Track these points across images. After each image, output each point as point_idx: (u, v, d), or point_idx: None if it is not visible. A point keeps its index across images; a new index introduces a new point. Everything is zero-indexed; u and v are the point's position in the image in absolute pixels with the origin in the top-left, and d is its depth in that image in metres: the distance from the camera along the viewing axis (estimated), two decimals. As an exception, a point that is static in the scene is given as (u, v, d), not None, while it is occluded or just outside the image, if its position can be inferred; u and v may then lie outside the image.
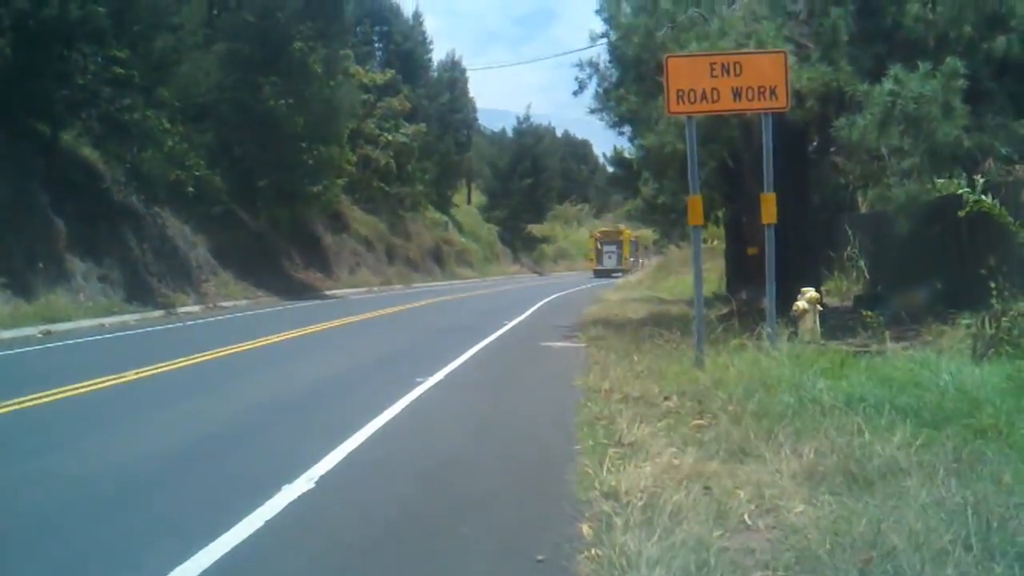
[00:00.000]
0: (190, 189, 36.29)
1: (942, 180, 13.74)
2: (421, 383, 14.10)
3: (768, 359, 13.78)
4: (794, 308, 18.60)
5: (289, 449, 9.72)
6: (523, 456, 9.30)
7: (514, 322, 27.32)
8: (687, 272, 56.74)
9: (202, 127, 39.26)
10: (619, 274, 69.04)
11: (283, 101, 40.56)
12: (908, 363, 12.30)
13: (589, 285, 57.19)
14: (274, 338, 21.78)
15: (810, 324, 18.48)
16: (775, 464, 7.77)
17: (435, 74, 75.53)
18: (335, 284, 48.66)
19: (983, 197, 13.36)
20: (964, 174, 16.43)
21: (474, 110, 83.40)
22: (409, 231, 64.04)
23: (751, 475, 7.54)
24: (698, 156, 14.92)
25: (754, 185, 29.30)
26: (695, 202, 14.85)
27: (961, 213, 13.39)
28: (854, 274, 27.20)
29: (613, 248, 78.35)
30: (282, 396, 13.50)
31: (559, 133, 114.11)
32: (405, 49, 68.61)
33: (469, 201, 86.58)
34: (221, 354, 18.57)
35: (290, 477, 8.33)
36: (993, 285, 13.85)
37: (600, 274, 71.67)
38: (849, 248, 26.91)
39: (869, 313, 15.05)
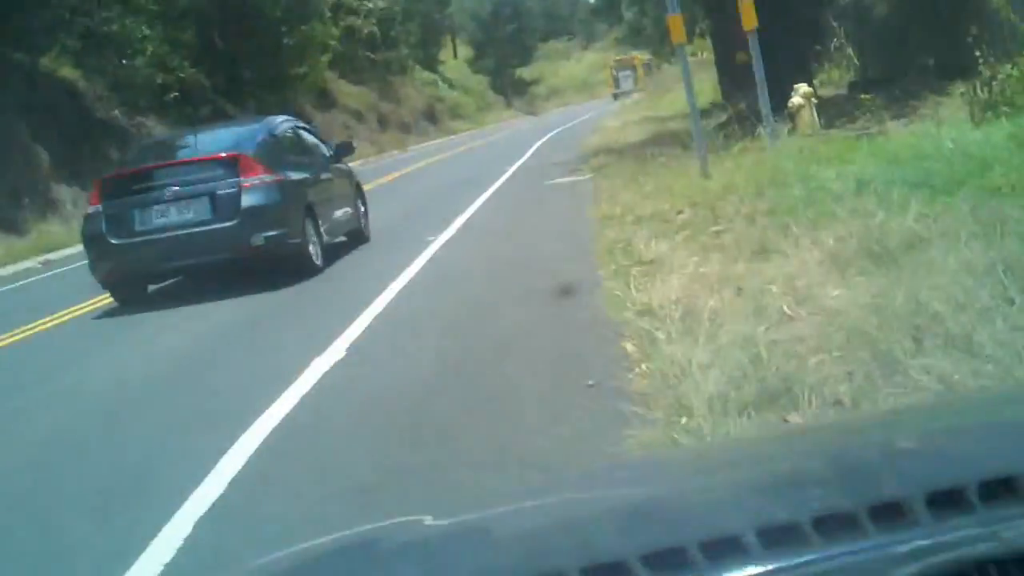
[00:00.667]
0: (175, 94, 35.75)
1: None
2: (432, 241, 13.83)
3: (772, 156, 13.70)
4: (790, 104, 18.45)
5: (317, 322, 9.52)
6: (549, 289, 9.11)
7: (515, 166, 27.14)
8: (681, 88, 56.23)
9: (182, 28, 38.54)
10: (637, 93, 69.85)
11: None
12: (910, 138, 12.22)
13: (585, 116, 56.73)
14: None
15: (808, 117, 18.34)
16: (799, 256, 7.72)
17: None
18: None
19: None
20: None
21: None
22: (399, 95, 63.25)
23: (778, 270, 7.49)
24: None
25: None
26: (675, 21, 14.67)
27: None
28: (844, 63, 26.91)
29: (628, 73, 79.88)
30: None
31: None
32: None
33: (455, 56, 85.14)
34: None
35: (321, 349, 7.93)
36: (978, 53, 13.71)
37: (619, 96, 72.20)
38: (835, 39, 26.57)
39: (866, 96, 14.88)
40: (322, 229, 12.86)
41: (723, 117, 31.33)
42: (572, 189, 18.31)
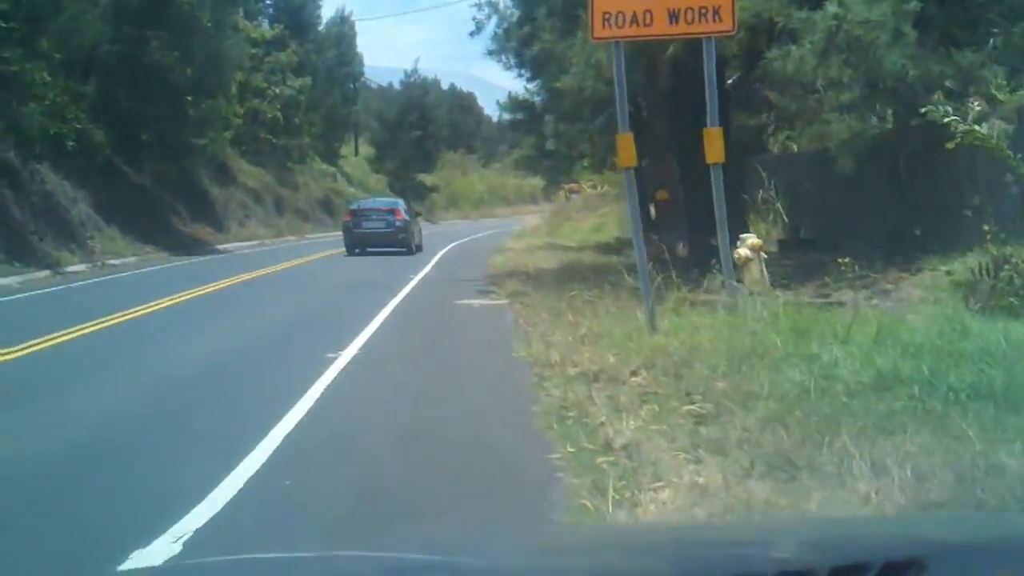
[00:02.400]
0: (71, 144, 33.03)
1: (930, 107, 11.44)
2: (333, 359, 11.39)
3: (734, 318, 11.47)
4: (736, 256, 16.27)
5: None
6: (483, 482, 6.60)
7: (419, 275, 24.85)
8: (583, 218, 54.84)
9: (85, 80, 36.03)
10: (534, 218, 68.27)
11: (170, 53, 37.28)
12: (918, 320, 10.06)
13: (485, 233, 54.69)
14: (163, 302, 18.88)
15: (757, 274, 16.16)
16: (857, 485, 5.37)
17: (324, 30, 72.19)
18: (225, 238, 45.42)
19: (976, 127, 11.17)
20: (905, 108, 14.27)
21: (361, 64, 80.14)
22: (297, 182, 60.68)
23: (833, 505, 5.13)
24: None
25: (661, 128, 27.20)
26: (625, 141, 12.45)
27: (950, 145, 11.25)
28: (771, 217, 25.04)
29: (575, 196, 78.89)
30: (163, 390, 10.42)
31: (444, 86, 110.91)
32: (295, 4, 65.14)
33: (357, 153, 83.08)
34: (103, 325, 15.53)
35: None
36: (987, 228, 11.63)
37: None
38: (762, 191, 24.69)
39: (844, 260, 12.78)
40: (414, 240, 34.53)
41: (630, 255, 29.47)
42: (490, 316, 16.05)
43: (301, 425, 8.26)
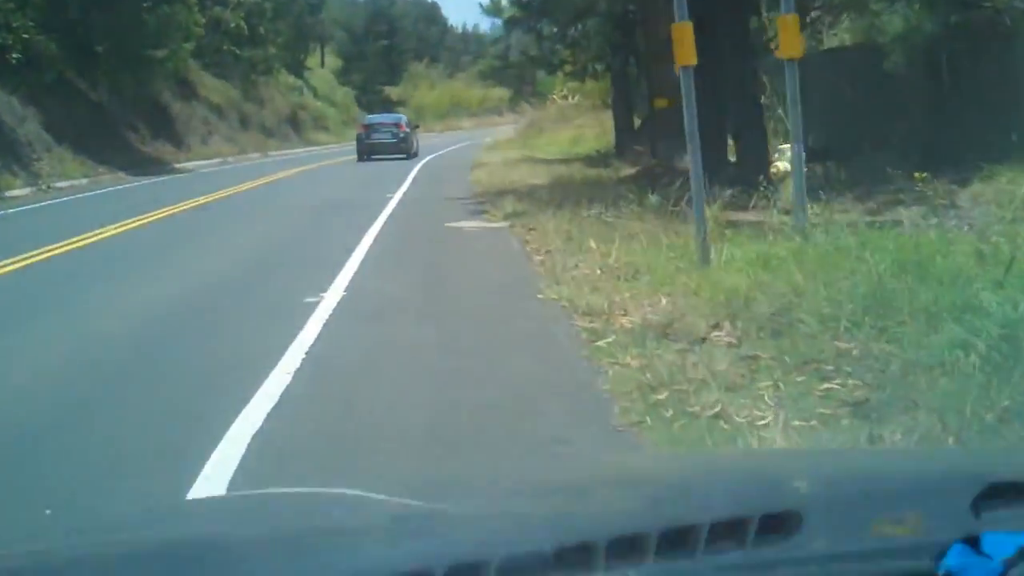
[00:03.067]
0: (16, 56, 30.25)
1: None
2: (315, 304, 9.04)
3: (808, 245, 9.21)
4: (773, 170, 13.99)
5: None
6: None
7: (399, 193, 22.49)
8: (558, 130, 52.27)
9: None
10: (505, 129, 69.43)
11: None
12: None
13: (455, 147, 52.08)
14: (108, 230, 16.36)
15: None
16: None
17: None
18: (186, 156, 42.62)
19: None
20: None
21: None
22: (263, 97, 57.64)
23: None
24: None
25: (662, 26, 24.67)
26: (683, 32, 9.95)
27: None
28: (771, 126, 22.68)
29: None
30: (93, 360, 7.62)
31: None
32: None
33: (323, 65, 79.10)
34: (24, 262, 12.89)
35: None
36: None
37: None
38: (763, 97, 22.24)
39: (921, 174, 10.47)
40: (412, 148, 40.81)
41: (629, 169, 27.21)
42: (489, 241, 13.76)
43: (264, 440, 5.38)
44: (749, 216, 12.81)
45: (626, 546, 1.44)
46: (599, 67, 37.10)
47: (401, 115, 47.32)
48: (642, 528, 1.50)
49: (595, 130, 44.54)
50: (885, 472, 2.31)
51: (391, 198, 20.94)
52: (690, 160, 9.69)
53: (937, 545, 1.51)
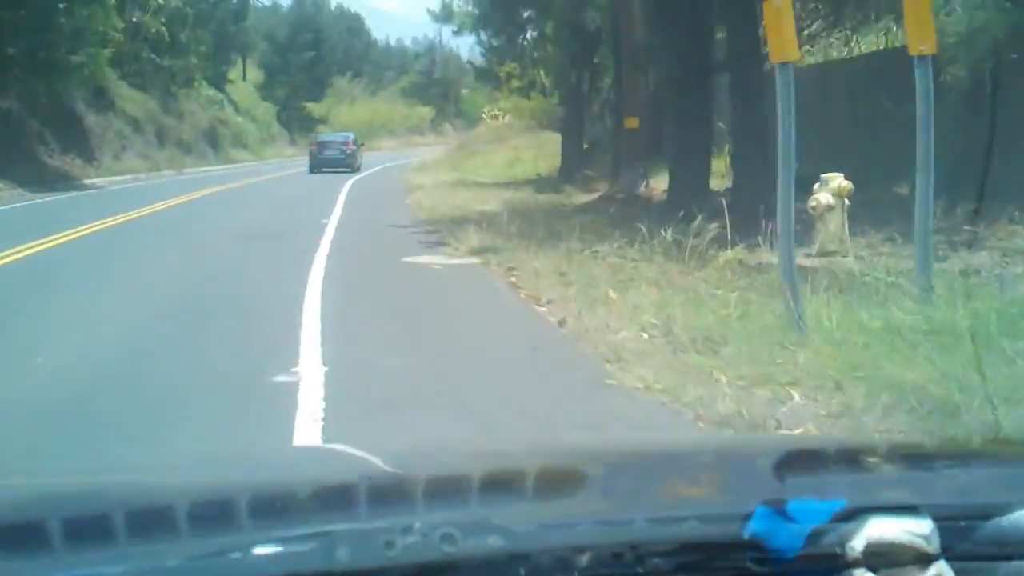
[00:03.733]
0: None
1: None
2: (287, 389, 6.31)
3: (923, 309, 6.60)
4: (812, 203, 11.39)
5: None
6: None
7: (334, 218, 20.00)
8: (493, 151, 49.51)
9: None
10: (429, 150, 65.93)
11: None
12: None
13: (381, 167, 49.33)
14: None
15: (837, 227, 11.39)
16: None
17: None
18: (97, 171, 39.29)
19: None
20: None
21: None
22: (182, 110, 54.18)
23: None
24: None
25: (634, 36, 22.19)
26: (780, 16, 7.23)
27: None
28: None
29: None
30: None
31: (331, 7, 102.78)
32: None
33: (245, 78, 75.46)
34: None
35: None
36: None
37: None
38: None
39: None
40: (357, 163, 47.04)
41: (578, 195, 24.70)
42: (467, 284, 11.17)
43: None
44: (768, 257, 10.19)
45: None
46: (547, 82, 34.41)
47: (349, 134, 52.62)
48: None
49: (532, 152, 42.08)
50: (693, 448, 2.53)
51: (327, 223, 18.46)
52: (780, 188, 6.99)
53: (743, 511, 1.44)
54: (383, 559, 1.29)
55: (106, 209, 22.16)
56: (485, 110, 67.94)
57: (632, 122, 21.34)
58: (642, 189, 21.13)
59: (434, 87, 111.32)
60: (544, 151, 41.33)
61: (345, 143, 48.03)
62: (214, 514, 1.49)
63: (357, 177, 39.53)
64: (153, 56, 49.27)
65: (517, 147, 45.39)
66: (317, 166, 45.28)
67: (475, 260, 12.51)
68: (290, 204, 25.06)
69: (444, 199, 23.54)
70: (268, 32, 76.76)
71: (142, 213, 22.00)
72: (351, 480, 1.72)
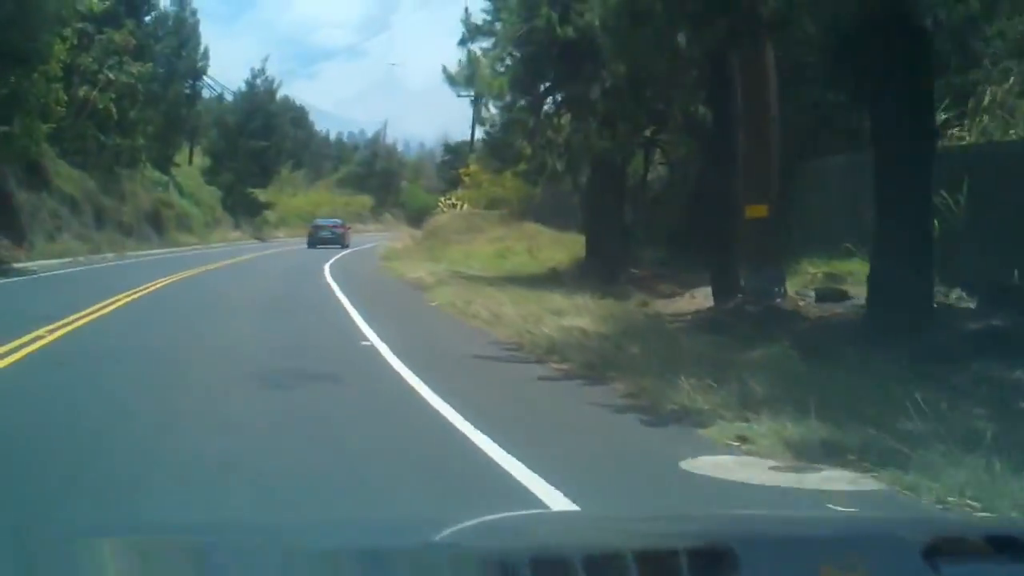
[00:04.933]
0: None
1: None
2: None
3: None
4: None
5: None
6: None
7: (379, 343, 13.40)
8: (469, 240, 43.50)
9: None
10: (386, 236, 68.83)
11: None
12: None
13: (347, 254, 43.17)
14: None
15: None
16: None
17: (163, 11, 57.45)
18: (28, 254, 32.45)
19: None
20: None
21: (206, 58, 64.25)
22: (124, 191, 47.39)
23: None
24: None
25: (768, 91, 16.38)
26: None
27: None
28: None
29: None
30: None
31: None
32: None
33: (191, 162, 68.84)
34: None
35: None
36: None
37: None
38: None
39: None
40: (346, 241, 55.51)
41: (649, 303, 18.79)
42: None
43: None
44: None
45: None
46: (560, 164, 28.33)
47: (339, 220, 61.72)
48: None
49: (522, 243, 36.15)
50: (833, 526, 2.50)
51: (370, 345, 11.96)
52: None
53: None
54: None
55: (36, 311, 15.66)
56: (442, 199, 62.53)
57: (758, 210, 15.41)
58: (778, 299, 15.10)
59: (374, 178, 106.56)
60: (536, 242, 35.53)
61: (336, 226, 58.14)
62: None
63: (326, 263, 33.84)
64: (98, 134, 42.54)
65: (501, 238, 39.43)
66: (314, 243, 54.39)
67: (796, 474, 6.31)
68: (266, 307, 18.94)
69: (485, 305, 17.45)
70: (218, 117, 69.97)
71: (77, 324, 14.97)
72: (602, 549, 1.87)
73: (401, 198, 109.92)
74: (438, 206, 61.11)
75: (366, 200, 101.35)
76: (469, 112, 58.84)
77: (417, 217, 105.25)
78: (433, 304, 19.05)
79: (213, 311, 17.87)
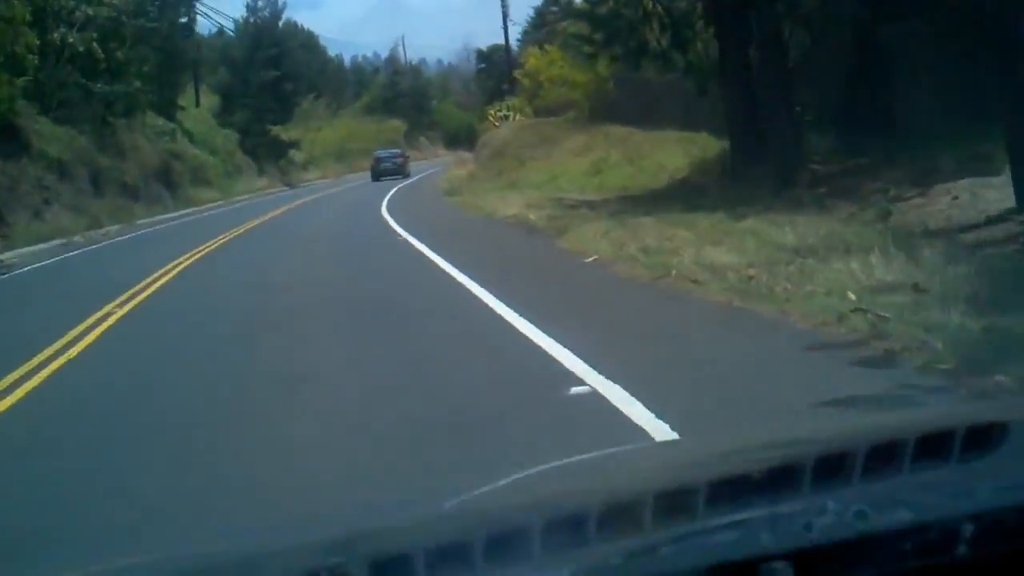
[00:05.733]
0: None
1: None
2: None
3: None
4: None
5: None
6: None
7: (583, 387, 6.39)
8: (545, 156, 36.10)
9: None
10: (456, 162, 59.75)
11: None
12: None
13: (386, 196, 35.59)
14: None
15: None
16: None
17: None
18: (4, 240, 25.55)
19: None
20: None
21: None
22: (124, 146, 39.70)
23: None
24: None
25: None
26: None
27: None
28: None
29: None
30: None
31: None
32: None
33: (198, 104, 59.75)
34: None
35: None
36: None
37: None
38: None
39: None
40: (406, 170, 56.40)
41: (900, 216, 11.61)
42: None
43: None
44: None
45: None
46: (663, 40, 20.86)
47: (398, 149, 64.02)
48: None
49: (616, 151, 28.99)
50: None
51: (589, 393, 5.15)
52: None
53: None
54: (805, 540, 1.30)
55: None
56: (492, 111, 55.34)
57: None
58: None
59: (401, 100, 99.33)
60: (634, 148, 28.34)
61: (396, 156, 59.14)
62: (621, 515, 1.44)
63: (421, 218, 23.72)
64: (83, 81, 35.34)
65: (585, 147, 32.16)
66: (377, 176, 55.37)
67: None
68: (401, 318, 11.20)
69: (673, 249, 10.49)
70: (222, 51, 62.34)
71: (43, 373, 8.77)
72: (727, 474, 1.66)
73: (434, 118, 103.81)
74: (488, 120, 54.25)
75: (398, 125, 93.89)
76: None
77: (455, 137, 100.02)
78: (590, 260, 12.07)
79: (233, 319, 11.05)
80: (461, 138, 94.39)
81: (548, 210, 18.94)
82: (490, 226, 19.21)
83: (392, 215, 24.56)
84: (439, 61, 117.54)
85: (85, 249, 25.02)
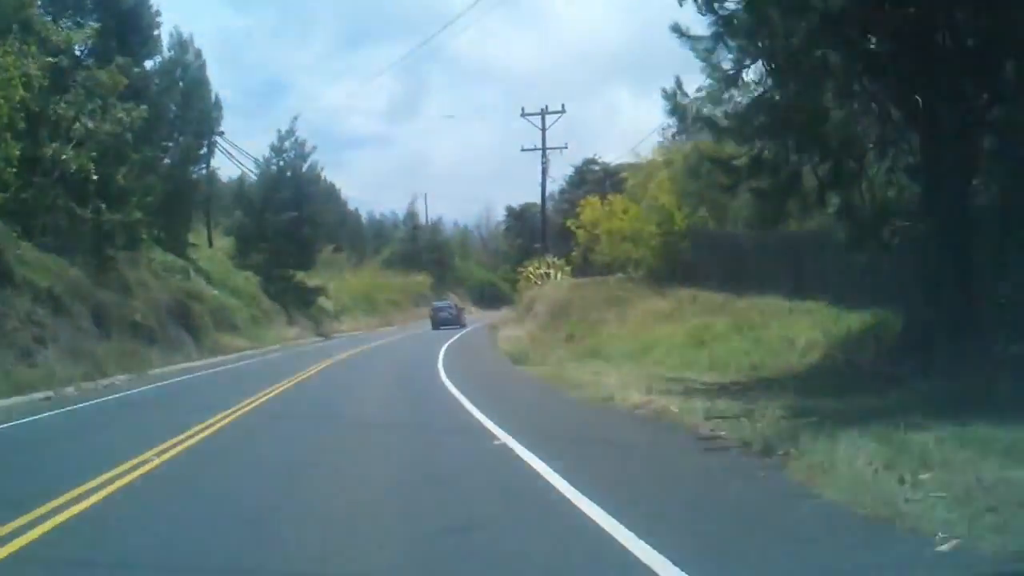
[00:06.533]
0: None
1: None
2: None
3: None
4: None
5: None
6: None
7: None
8: (617, 318, 30.05)
9: None
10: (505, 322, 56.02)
11: None
12: None
13: (450, 350, 30.47)
14: None
15: None
16: None
17: (163, 55, 45.18)
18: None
19: None
20: None
21: (219, 108, 51.95)
22: (128, 281, 34.14)
23: None
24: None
25: None
26: None
27: None
28: None
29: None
30: None
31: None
32: (124, 7, 38.09)
33: (211, 243, 56.00)
34: None
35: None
36: None
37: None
38: None
39: None
40: (462, 321, 64.85)
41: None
42: None
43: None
44: None
45: None
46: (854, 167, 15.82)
47: (450, 302, 73.25)
48: None
49: (709, 318, 24.12)
50: None
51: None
52: None
53: None
54: None
55: None
56: (531, 268, 51.06)
57: None
58: None
59: (421, 255, 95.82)
60: (744, 319, 23.35)
61: (451, 307, 67.70)
62: None
63: (508, 402, 18.99)
64: (72, 204, 29.93)
65: (670, 313, 27.24)
66: (437, 325, 61.40)
67: None
68: None
69: None
70: (238, 189, 58.04)
71: None
72: None
73: (456, 275, 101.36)
74: (528, 277, 49.94)
75: (424, 279, 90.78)
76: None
77: (480, 294, 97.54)
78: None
79: None
80: (486, 295, 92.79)
81: (688, 399, 13.72)
82: (626, 427, 12.50)
83: (466, 395, 17.83)
84: (455, 223, 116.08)
85: (75, 407, 18.99)
